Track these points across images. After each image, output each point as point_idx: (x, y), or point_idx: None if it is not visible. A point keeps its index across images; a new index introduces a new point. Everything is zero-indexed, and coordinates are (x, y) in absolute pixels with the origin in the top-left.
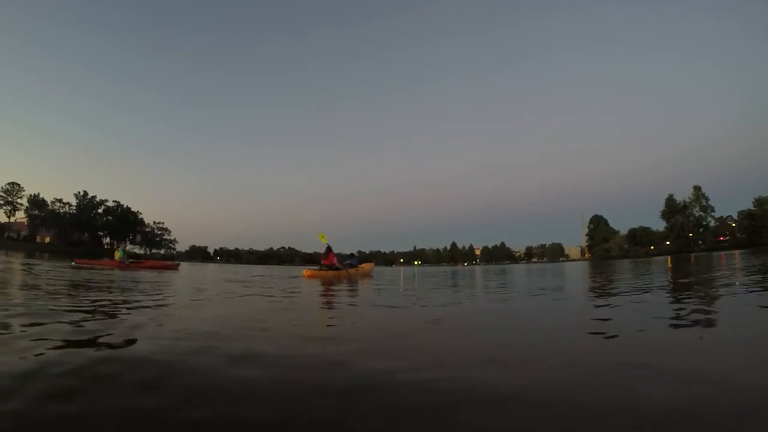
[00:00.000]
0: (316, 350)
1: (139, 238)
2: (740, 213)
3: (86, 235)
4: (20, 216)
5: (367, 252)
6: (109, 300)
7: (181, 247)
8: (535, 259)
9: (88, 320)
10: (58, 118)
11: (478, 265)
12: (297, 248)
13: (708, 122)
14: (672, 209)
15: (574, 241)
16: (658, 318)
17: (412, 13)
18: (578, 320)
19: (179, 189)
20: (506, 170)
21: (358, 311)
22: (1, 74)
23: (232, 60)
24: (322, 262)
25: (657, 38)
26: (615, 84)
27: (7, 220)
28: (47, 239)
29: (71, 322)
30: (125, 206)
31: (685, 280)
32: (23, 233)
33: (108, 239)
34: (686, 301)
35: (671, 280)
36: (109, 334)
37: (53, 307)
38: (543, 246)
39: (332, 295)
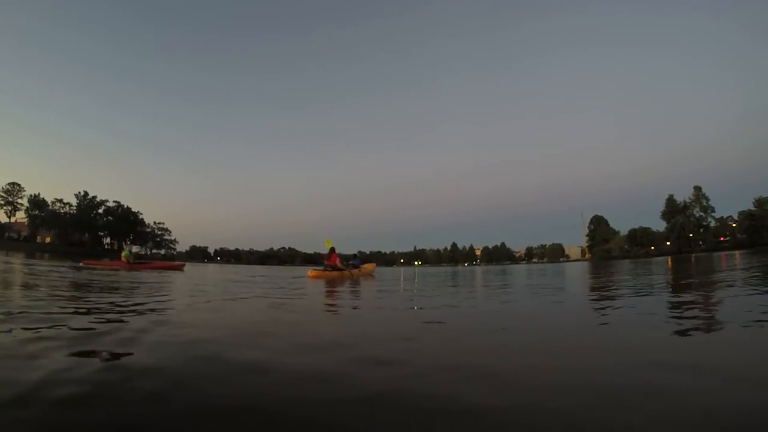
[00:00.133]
0: (326, 357)
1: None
2: (740, 213)
3: (86, 235)
4: (21, 216)
5: (368, 252)
6: (119, 302)
7: (182, 247)
8: (535, 260)
9: (102, 323)
10: (58, 118)
11: (479, 265)
12: (297, 248)
13: (708, 122)
14: (672, 209)
15: (575, 242)
16: (659, 319)
17: (412, 13)
18: (579, 321)
19: (179, 189)
20: (506, 170)
21: (364, 315)
22: (1, 74)
23: (232, 60)
24: (326, 263)
25: (657, 38)
26: (615, 84)
27: (7, 220)
28: (48, 239)
29: (81, 328)
30: (125, 206)
31: (686, 281)
32: (24, 233)
33: (108, 239)
34: (687, 301)
35: (672, 280)
36: (118, 339)
37: (64, 310)
38: (543, 246)
39: (337, 297)
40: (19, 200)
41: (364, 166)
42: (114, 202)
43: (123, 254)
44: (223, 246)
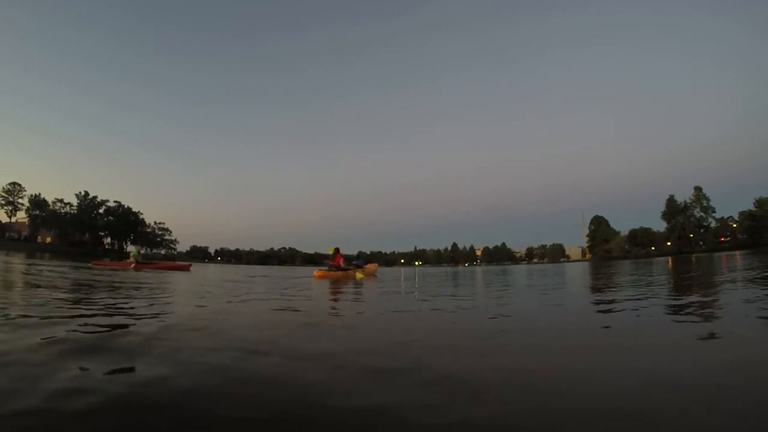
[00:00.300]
0: (337, 366)
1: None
2: (741, 214)
3: (87, 235)
4: (21, 216)
5: (368, 252)
6: (131, 305)
7: (182, 247)
8: (535, 260)
9: (116, 328)
10: (58, 118)
11: (479, 265)
12: (297, 248)
13: (708, 122)
14: (673, 210)
15: (575, 242)
16: (659, 319)
17: (413, 14)
18: (579, 321)
19: (179, 189)
20: (506, 170)
21: (370, 321)
22: (1, 74)
23: (232, 60)
24: (331, 263)
25: (657, 38)
26: (615, 84)
27: (8, 220)
28: (48, 239)
29: (93, 331)
30: (126, 206)
31: (686, 282)
32: (24, 233)
33: (109, 239)
34: (688, 301)
35: (672, 281)
36: (131, 345)
37: (80, 312)
38: (544, 246)
39: (343, 299)
40: (20, 200)
41: (364, 166)
42: (114, 202)
43: (131, 255)
44: (223, 246)
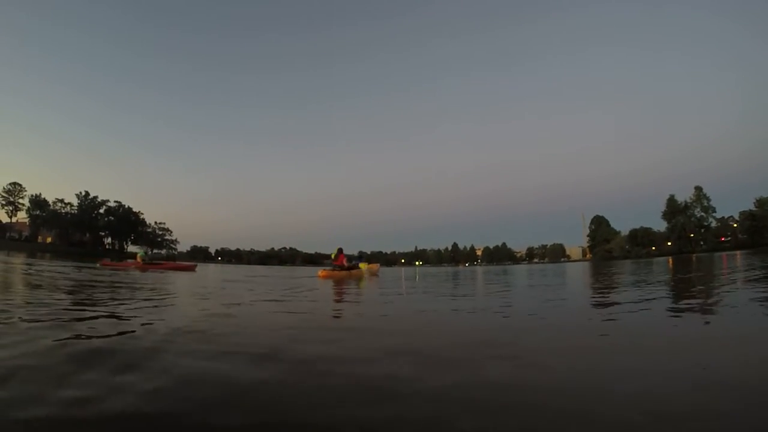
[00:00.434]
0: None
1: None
2: (741, 213)
3: (87, 235)
4: (22, 216)
5: (368, 252)
6: (138, 306)
7: (183, 247)
8: (536, 260)
9: (126, 332)
10: (58, 118)
11: (480, 265)
12: (298, 248)
13: (708, 122)
14: (673, 210)
15: (576, 242)
16: (661, 319)
17: (413, 14)
18: (579, 321)
19: (179, 189)
20: (507, 170)
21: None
22: (1, 74)
23: (232, 60)
24: (334, 263)
25: (657, 38)
26: (615, 84)
27: (8, 220)
28: (49, 239)
29: (108, 334)
30: (126, 206)
31: (687, 282)
32: (25, 233)
33: (109, 239)
34: (688, 302)
35: (673, 281)
36: (138, 349)
37: (91, 313)
38: (544, 246)
39: (351, 300)
40: (21, 200)
41: (364, 166)
42: (115, 202)
43: (139, 255)
44: (223, 246)
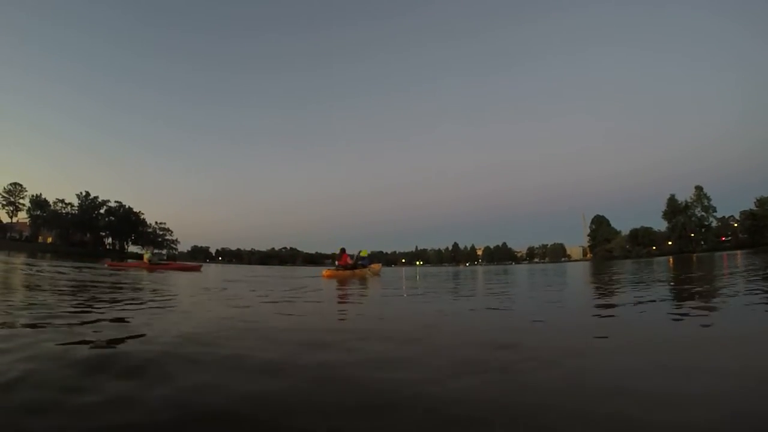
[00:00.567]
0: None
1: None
2: (742, 213)
3: (88, 235)
4: (22, 216)
5: (369, 252)
6: (145, 308)
7: (183, 247)
8: (537, 260)
9: (134, 336)
10: (58, 117)
11: (480, 265)
12: (298, 248)
13: (708, 122)
14: (674, 209)
15: (576, 241)
16: (661, 319)
17: (413, 14)
18: (579, 321)
19: (179, 189)
20: (507, 170)
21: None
22: (1, 73)
23: (232, 60)
24: (338, 263)
25: (657, 38)
26: (615, 84)
27: (9, 220)
28: (49, 240)
29: (120, 337)
30: (127, 206)
31: (688, 282)
32: (25, 234)
33: (110, 239)
34: (689, 302)
35: (673, 281)
36: (146, 357)
37: (103, 316)
38: (545, 246)
39: (351, 302)
40: (21, 200)
41: (364, 166)
42: (116, 202)
43: (146, 256)
44: (224, 246)
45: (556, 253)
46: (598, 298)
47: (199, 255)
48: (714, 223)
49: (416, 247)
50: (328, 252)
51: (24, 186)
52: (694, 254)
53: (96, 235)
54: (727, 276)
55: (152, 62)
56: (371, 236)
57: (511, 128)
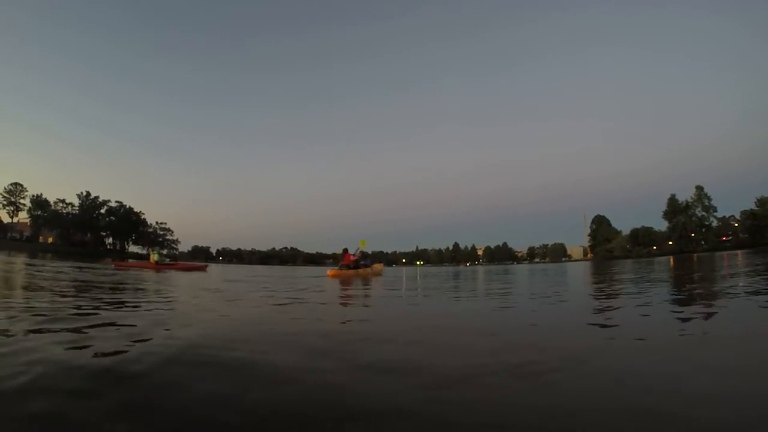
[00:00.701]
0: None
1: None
2: (743, 213)
3: (89, 235)
4: (23, 216)
5: (369, 252)
6: (152, 311)
7: (184, 247)
8: (537, 260)
9: (139, 340)
10: (58, 117)
11: (481, 265)
12: (299, 248)
13: (708, 122)
14: (674, 209)
15: (577, 241)
16: (663, 318)
17: (413, 14)
18: (580, 321)
19: (179, 189)
20: (507, 170)
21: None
22: (1, 73)
23: (232, 60)
24: (341, 263)
25: (657, 38)
26: (615, 84)
27: (10, 220)
28: (50, 240)
29: (132, 341)
30: (128, 206)
31: (688, 282)
32: (26, 234)
33: (111, 239)
34: (690, 302)
35: (674, 281)
36: (150, 365)
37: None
38: (545, 246)
39: (354, 303)
40: (22, 201)
41: (364, 166)
42: (116, 202)
43: (152, 256)
44: (224, 246)
45: (557, 253)
46: (599, 298)
47: (200, 255)
48: (714, 223)
49: (417, 247)
50: (329, 252)
51: (24, 186)
52: (695, 254)
53: (97, 235)
54: (728, 276)
55: (152, 62)
56: (371, 236)
57: (511, 128)
